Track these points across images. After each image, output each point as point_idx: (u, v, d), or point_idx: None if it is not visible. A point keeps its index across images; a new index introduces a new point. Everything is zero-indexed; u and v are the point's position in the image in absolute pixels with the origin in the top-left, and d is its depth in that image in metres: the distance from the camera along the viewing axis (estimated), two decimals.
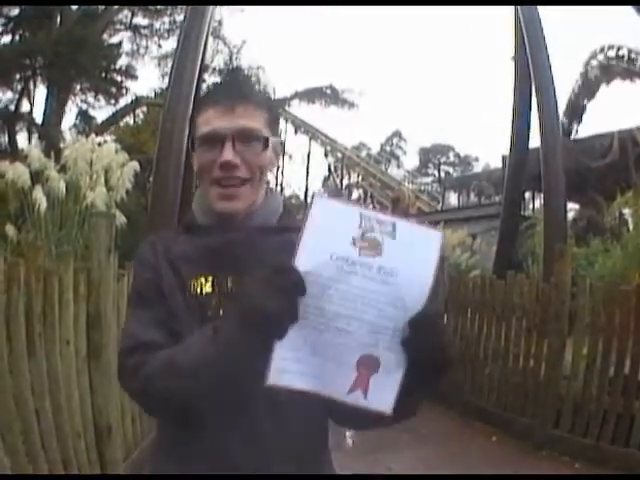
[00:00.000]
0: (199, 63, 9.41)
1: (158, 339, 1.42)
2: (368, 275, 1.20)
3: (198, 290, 1.49)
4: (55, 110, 20.50)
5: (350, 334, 1.21)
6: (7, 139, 20.40)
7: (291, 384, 1.22)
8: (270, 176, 1.69)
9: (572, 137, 20.08)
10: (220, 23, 27.51)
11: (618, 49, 22.29)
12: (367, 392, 1.23)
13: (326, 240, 1.21)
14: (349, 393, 1.22)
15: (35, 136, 20.52)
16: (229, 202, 1.51)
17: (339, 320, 1.20)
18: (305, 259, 1.20)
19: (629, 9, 11.09)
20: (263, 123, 1.54)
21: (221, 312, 1.47)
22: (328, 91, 38.04)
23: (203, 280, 1.49)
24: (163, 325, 1.45)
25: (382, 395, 1.24)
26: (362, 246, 1.21)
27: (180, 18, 20.53)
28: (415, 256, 1.23)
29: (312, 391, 1.23)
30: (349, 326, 1.21)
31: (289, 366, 1.21)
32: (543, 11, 10.83)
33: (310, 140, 38.62)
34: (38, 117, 21.56)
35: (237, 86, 1.78)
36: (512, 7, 11.84)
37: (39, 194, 7.41)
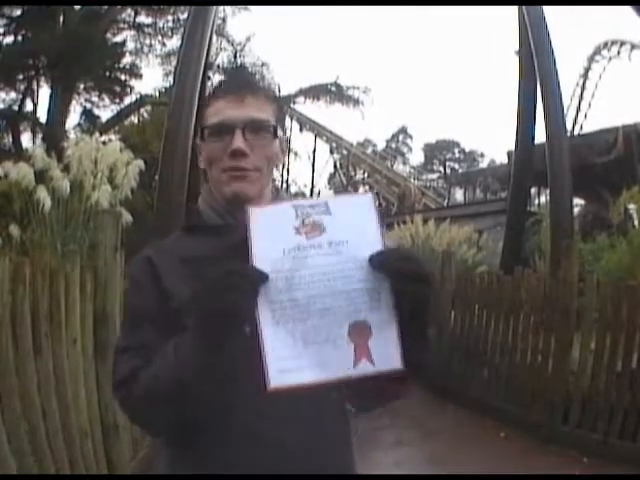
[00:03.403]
0: (203, 61, 9.40)
1: (142, 365, 1.42)
2: (322, 252, 1.27)
3: None
4: (59, 109, 20.48)
5: (330, 310, 1.24)
6: (11, 139, 20.41)
7: (295, 381, 1.22)
8: (276, 173, 1.71)
9: (577, 132, 20.08)
10: (224, 20, 27.51)
11: (621, 45, 22.30)
12: (372, 358, 1.25)
13: (272, 239, 1.27)
14: (355, 366, 1.24)
15: (39, 136, 20.51)
16: (240, 184, 1.52)
17: (315, 302, 1.24)
18: (260, 261, 1.25)
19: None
20: (272, 115, 1.57)
21: None
22: (333, 88, 37.98)
23: None
24: (149, 350, 1.44)
25: (387, 354, 1.26)
26: (306, 231, 1.28)
27: (184, 16, 20.49)
28: (355, 221, 1.30)
29: (320, 381, 1.24)
30: (326, 303, 1.24)
31: (287, 365, 1.22)
32: (547, 7, 10.83)
33: (315, 137, 38.65)
34: (42, 117, 21.62)
35: (247, 78, 1.82)
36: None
37: (43, 193, 7.41)
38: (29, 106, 22.71)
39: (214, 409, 1.38)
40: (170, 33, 25.28)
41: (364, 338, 1.25)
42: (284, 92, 35.12)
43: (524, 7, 11.01)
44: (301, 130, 37.84)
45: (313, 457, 1.48)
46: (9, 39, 20.77)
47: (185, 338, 1.32)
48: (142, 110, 23.40)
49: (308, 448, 1.47)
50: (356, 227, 1.29)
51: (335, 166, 40.59)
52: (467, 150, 65.44)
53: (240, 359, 1.30)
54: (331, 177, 41.39)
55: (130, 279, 1.60)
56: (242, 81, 1.68)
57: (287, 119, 35.20)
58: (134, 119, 23.16)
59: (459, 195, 43.04)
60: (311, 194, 39.83)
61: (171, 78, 16.95)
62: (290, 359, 1.22)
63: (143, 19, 24.88)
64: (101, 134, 9.93)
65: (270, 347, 1.22)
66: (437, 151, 65.13)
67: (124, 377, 1.43)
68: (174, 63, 17.83)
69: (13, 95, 21.70)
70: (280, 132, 1.59)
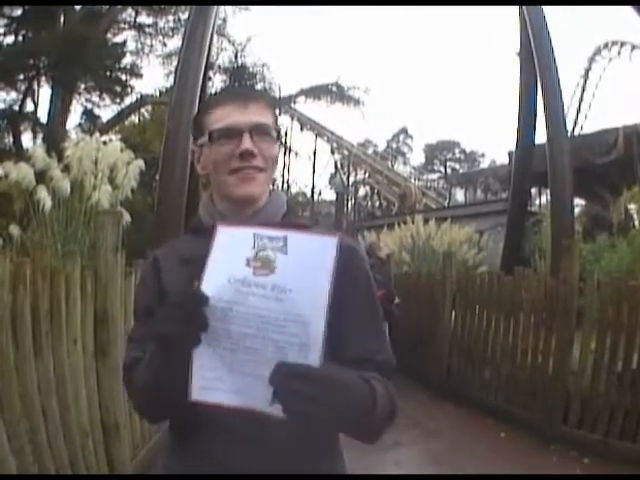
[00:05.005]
0: (204, 61, 9.42)
1: (142, 357, 1.51)
2: (263, 294, 1.25)
3: None
4: (60, 110, 20.45)
5: (258, 351, 1.25)
6: (12, 139, 20.38)
7: (213, 400, 1.27)
8: (276, 173, 1.75)
9: (577, 133, 20.08)
10: (225, 21, 27.49)
11: (622, 45, 22.31)
12: None
13: (224, 265, 1.28)
14: (271, 405, 1.24)
15: (40, 136, 20.49)
16: (249, 186, 1.58)
17: (245, 339, 1.25)
18: (207, 286, 1.26)
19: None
20: (272, 120, 1.64)
21: None
22: (334, 88, 37.96)
23: None
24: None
25: None
26: (256, 266, 1.27)
27: (185, 16, 20.45)
28: (308, 268, 1.26)
29: (234, 406, 1.27)
30: (255, 344, 1.25)
31: (209, 384, 1.27)
32: (547, 7, 10.84)
33: (316, 137, 38.66)
34: (42, 117, 21.57)
35: (248, 86, 1.87)
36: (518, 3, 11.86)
37: (43, 193, 7.42)
38: (30, 106, 22.67)
39: (196, 411, 1.38)
40: (171, 33, 25.28)
41: None
42: (285, 92, 35.14)
43: (524, 7, 11.03)
44: (302, 130, 37.86)
45: (297, 456, 1.50)
46: (9, 39, 20.78)
47: (156, 350, 1.39)
48: (143, 110, 23.44)
49: (292, 447, 1.48)
50: (306, 276, 1.25)
51: (336, 166, 40.54)
52: (468, 150, 65.48)
53: None
54: (331, 177, 41.31)
55: (139, 276, 1.83)
56: (244, 89, 1.74)
57: (288, 119, 35.28)
58: (135, 119, 23.20)
59: (460, 195, 43.06)
60: (312, 194, 39.87)
61: (172, 78, 16.96)
62: (213, 380, 1.27)
63: (144, 19, 24.87)
64: (101, 134, 9.93)
65: (197, 365, 1.27)
66: (438, 151, 65.12)
67: (127, 365, 1.56)
68: (175, 63, 17.83)
69: (14, 95, 21.64)
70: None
